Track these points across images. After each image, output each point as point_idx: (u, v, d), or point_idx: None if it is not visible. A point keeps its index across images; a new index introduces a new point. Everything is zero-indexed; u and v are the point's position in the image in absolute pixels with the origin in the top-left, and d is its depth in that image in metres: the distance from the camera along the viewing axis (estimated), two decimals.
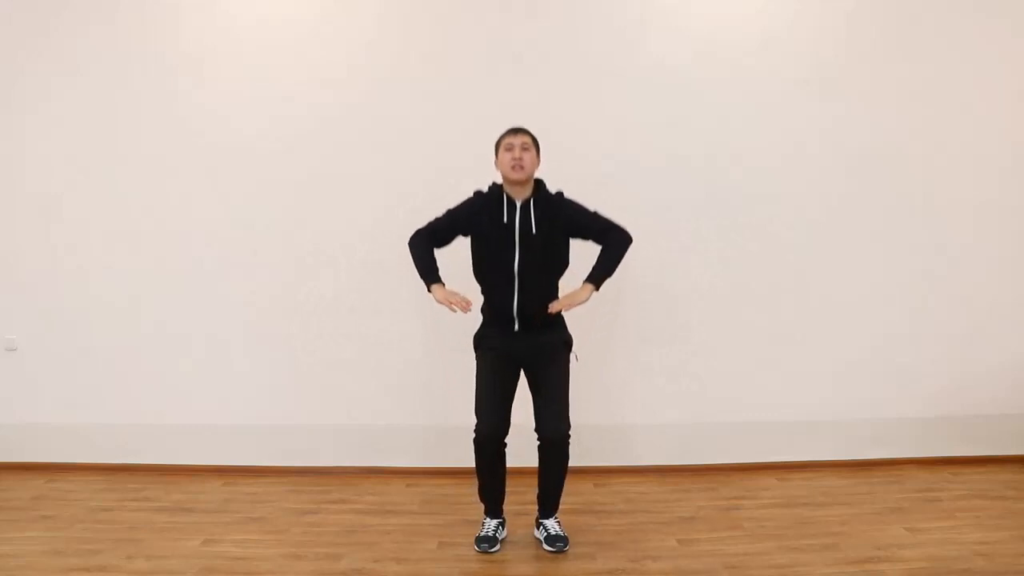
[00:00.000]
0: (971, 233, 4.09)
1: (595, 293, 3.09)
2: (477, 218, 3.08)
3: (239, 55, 4.02)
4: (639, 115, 4.02)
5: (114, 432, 4.09)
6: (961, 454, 4.08)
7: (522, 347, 3.06)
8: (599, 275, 3.09)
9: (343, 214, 4.04)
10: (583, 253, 3.16)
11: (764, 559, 2.96)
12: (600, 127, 4.00)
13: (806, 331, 4.07)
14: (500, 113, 3.94)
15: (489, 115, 3.94)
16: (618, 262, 3.13)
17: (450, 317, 3.74)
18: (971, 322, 4.10)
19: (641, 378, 4.06)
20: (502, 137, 3.10)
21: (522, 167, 3.02)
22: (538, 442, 3.07)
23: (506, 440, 3.09)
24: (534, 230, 3.03)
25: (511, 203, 3.06)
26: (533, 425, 3.06)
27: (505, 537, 3.18)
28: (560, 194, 3.14)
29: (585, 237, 3.15)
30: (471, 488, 3.25)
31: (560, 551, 3.04)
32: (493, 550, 3.06)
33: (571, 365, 3.13)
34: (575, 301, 3.05)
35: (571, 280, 3.14)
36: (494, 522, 3.15)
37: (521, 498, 3.30)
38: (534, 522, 3.21)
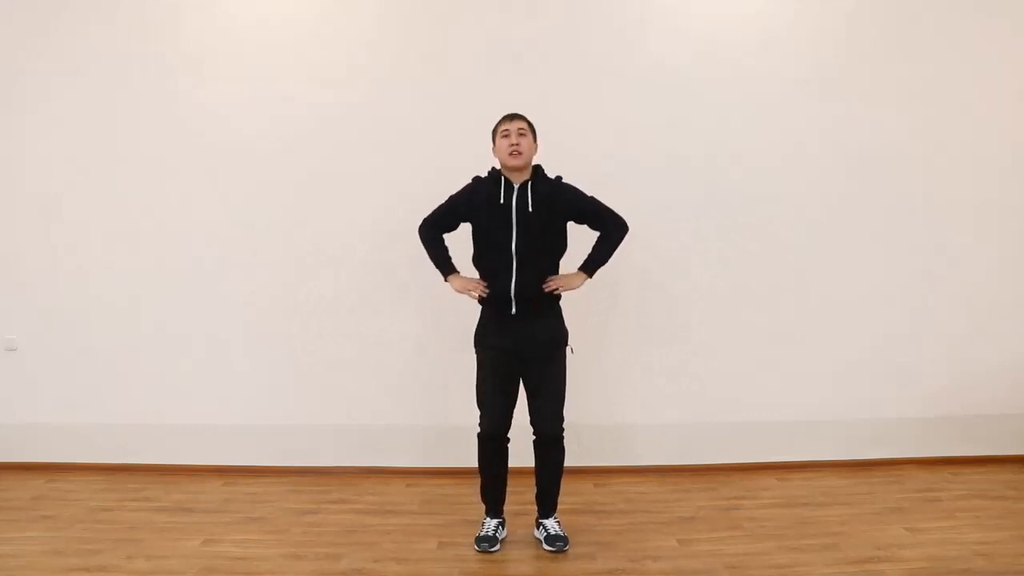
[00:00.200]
0: (971, 233, 4.09)
1: (588, 281, 3.14)
2: (476, 201, 3.10)
3: (239, 55, 4.02)
4: (639, 115, 4.02)
5: (114, 432, 4.09)
6: (961, 454, 4.08)
7: (520, 340, 3.05)
8: (593, 263, 3.14)
9: (343, 214, 4.04)
10: (581, 238, 3.17)
11: (764, 559, 2.96)
12: (600, 127, 4.00)
13: (806, 331, 4.07)
14: (500, 113, 3.94)
15: (489, 115, 3.93)
16: (613, 251, 3.16)
17: (450, 317, 3.75)
18: (971, 322, 4.10)
19: (641, 378, 4.06)
20: (498, 124, 3.12)
21: (520, 152, 3.04)
22: (534, 439, 3.08)
23: (508, 436, 3.09)
24: (531, 210, 3.04)
25: (508, 185, 3.07)
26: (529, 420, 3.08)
27: (505, 537, 3.18)
28: (559, 178, 3.16)
29: (581, 222, 3.17)
30: (471, 488, 3.25)
31: (560, 551, 3.04)
32: (493, 550, 3.07)
33: (568, 359, 3.13)
34: (568, 284, 3.09)
35: (568, 266, 3.16)
36: (494, 522, 3.16)
37: (521, 498, 3.30)
38: (534, 522, 3.21)
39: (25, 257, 4.11)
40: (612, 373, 4.03)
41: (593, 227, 3.18)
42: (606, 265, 3.18)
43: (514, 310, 3.05)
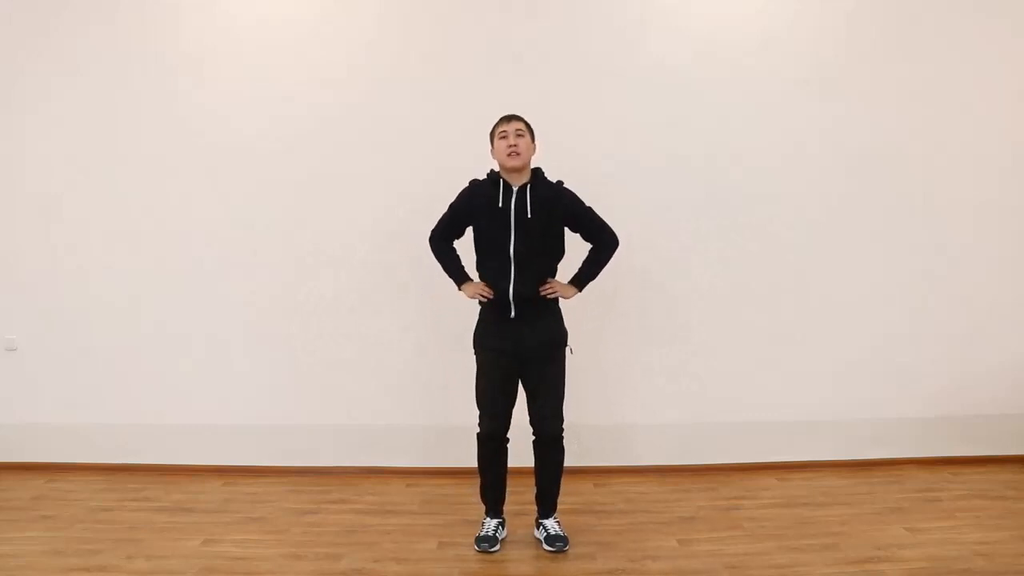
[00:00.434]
0: (971, 233, 4.09)
1: (580, 297, 3.16)
2: (474, 204, 3.10)
3: (239, 55, 4.02)
4: (639, 115, 4.02)
5: (114, 432, 4.09)
6: (961, 454, 4.08)
7: (520, 342, 3.05)
8: (583, 279, 3.16)
9: (343, 214, 4.04)
10: (580, 242, 3.18)
11: (764, 559, 2.96)
12: (600, 127, 4.00)
13: (806, 331, 4.07)
14: (500, 113, 3.94)
15: (489, 115, 3.93)
16: (603, 266, 3.18)
17: (450, 317, 3.75)
18: (971, 322, 4.10)
19: (641, 378, 4.06)
20: (496, 125, 3.12)
21: (518, 153, 3.03)
22: (533, 439, 3.08)
23: (508, 436, 3.10)
24: (530, 214, 3.03)
25: (507, 187, 3.07)
26: (529, 420, 3.08)
27: (505, 537, 3.18)
28: (560, 183, 3.15)
29: (575, 230, 3.17)
30: (471, 488, 3.25)
31: (560, 551, 3.04)
32: (493, 550, 3.07)
33: (567, 359, 3.13)
34: (562, 292, 3.11)
35: (567, 268, 3.17)
36: (494, 522, 3.16)
37: (521, 498, 3.30)
38: (534, 522, 3.21)
39: (25, 257, 4.11)
40: (612, 373, 4.03)
41: (585, 238, 3.19)
42: (604, 268, 3.20)
43: (513, 313, 3.05)
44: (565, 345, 3.13)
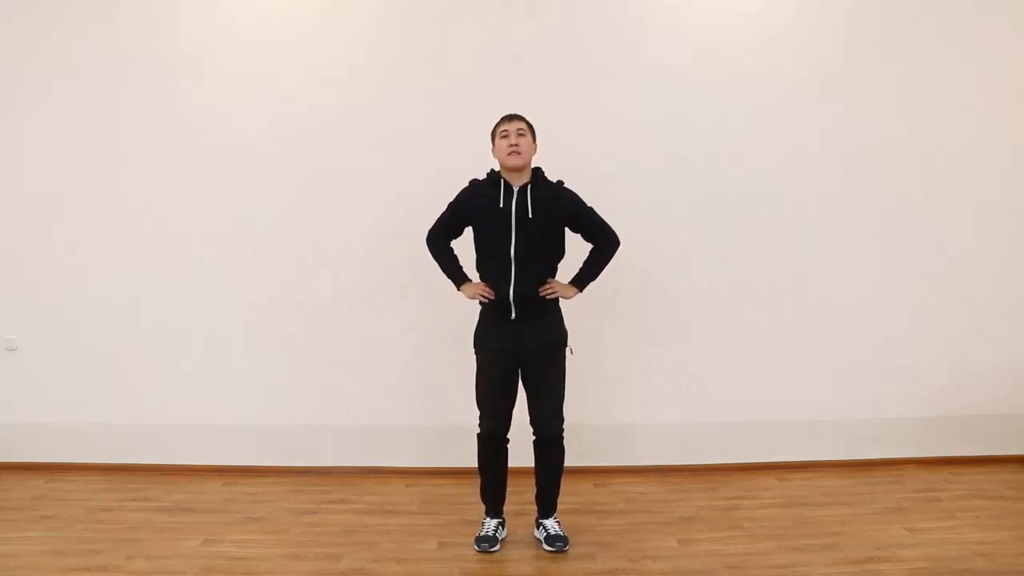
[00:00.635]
0: (971, 233, 4.09)
1: (580, 297, 3.15)
2: (475, 205, 3.10)
3: (239, 55, 4.02)
4: (639, 115, 4.02)
5: (114, 432, 4.09)
6: (961, 454, 4.08)
7: (520, 342, 3.05)
8: (583, 279, 3.15)
9: (343, 214, 4.04)
10: (580, 244, 3.17)
11: (764, 559, 2.96)
12: (600, 127, 4.00)
13: (806, 331, 4.07)
14: (500, 113, 3.94)
15: (489, 115, 3.93)
16: (604, 267, 3.17)
17: (449, 317, 3.75)
18: (971, 322, 4.10)
19: (641, 378, 4.06)
20: (497, 124, 3.11)
21: (519, 153, 3.02)
22: (534, 439, 3.08)
23: (508, 437, 3.09)
24: (531, 215, 3.03)
25: (508, 188, 3.06)
26: (529, 421, 3.08)
27: (505, 537, 3.18)
28: (560, 183, 3.15)
29: (576, 230, 3.16)
30: (471, 488, 3.25)
31: (560, 551, 3.04)
32: (493, 550, 3.07)
33: (567, 359, 3.13)
34: (562, 292, 3.10)
35: (566, 269, 3.17)
36: (494, 522, 3.16)
37: (521, 498, 3.30)
38: (534, 522, 3.20)
39: (25, 257, 4.11)
40: (612, 373, 4.03)
41: (586, 238, 3.18)
42: (605, 268, 3.19)
43: (513, 314, 3.05)
44: (565, 345, 3.13)
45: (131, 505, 3.59)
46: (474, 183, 3.16)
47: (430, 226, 3.22)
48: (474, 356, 3.16)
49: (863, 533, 3.19)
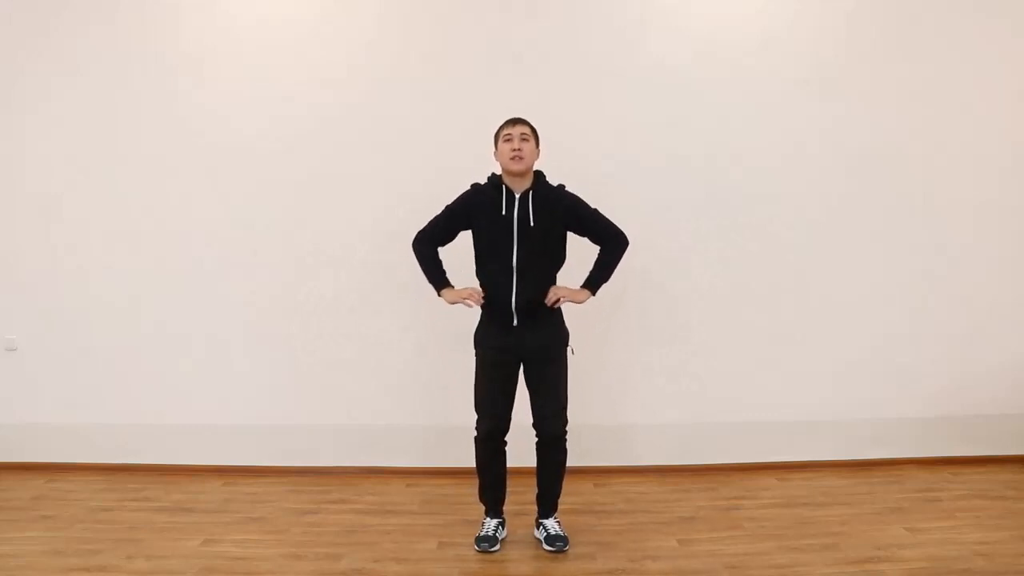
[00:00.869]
0: (971, 233, 4.09)
1: (591, 299, 3.11)
2: (476, 210, 3.08)
3: (239, 55, 4.02)
4: (639, 115, 4.02)
5: (114, 432, 4.09)
6: (961, 454, 4.08)
7: (521, 344, 3.05)
8: (596, 281, 3.11)
9: (343, 214, 4.04)
10: (579, 250, 3.16)
11: (764, 559, 2.96)
12: (600, 127, 4.00)
13: (806, 331, 4.07)
14: (500, 113, 3.93)
15: (489, 115, 3.93)
16: (615, 267, 3.13)
17: (450, 317, 3.75)
18: (971, 322, 4.10)
19: (641, 378, 4.06)
20: (501, 128, 3.09)
21: (521, 158, 3.01)
22: (536, 440, 3.07)
23: (506, 438, 3.09)
24: (532, 222, 3.01)
25: (510, 194, 3.04)
26: (531, 423, 3.07)
27: (505, 537, 3.18)
28: (561, 187, 3.14)
29: (582, 234, 3.15)
30: (471, 488, 3.25)
31: (560, 551, 3.04)
32: (493, 550, 3.07)
33: (569, 359, 3.13)
34: (573, 298, 3.07)
35: (566, 278, 3.15)
36: (494, 522, 3.15)
37: (521, 498, 3.30)
38: (534, 522, 3.20)
39: (25, 257, 4.11)
40: (612, 373, 4.03)
41: (593, 240, 3.16)
42: (616, 268, 3.16)
43: (515, 321, 3.05)
44: (566, 345, 3.13)
45: (131, 505, 3.59)
46: (475, 188, 3.14)
47: (419, 229, 3.17)
48: (474, 357, 3.15)
49: (863, 533, 3.19)
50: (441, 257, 3.17)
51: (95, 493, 3.75)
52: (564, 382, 3.10)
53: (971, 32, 4.05)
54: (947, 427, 4.10)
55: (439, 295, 3.11)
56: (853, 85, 4.03)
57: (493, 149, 3.13)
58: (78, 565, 2.94)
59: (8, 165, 4.09)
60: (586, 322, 3.58)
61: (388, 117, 4.02)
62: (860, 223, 4.07)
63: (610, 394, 4.03)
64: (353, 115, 4.02)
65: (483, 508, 3.20)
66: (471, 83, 3.99)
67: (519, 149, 3.01)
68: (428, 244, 3.15)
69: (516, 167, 3.02)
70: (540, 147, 3.11)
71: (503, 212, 3.03)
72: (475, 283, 3.14)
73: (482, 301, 3.04)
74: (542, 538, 3.11)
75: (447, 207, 3.15)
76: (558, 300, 3.05)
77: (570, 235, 3.14)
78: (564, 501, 3.22)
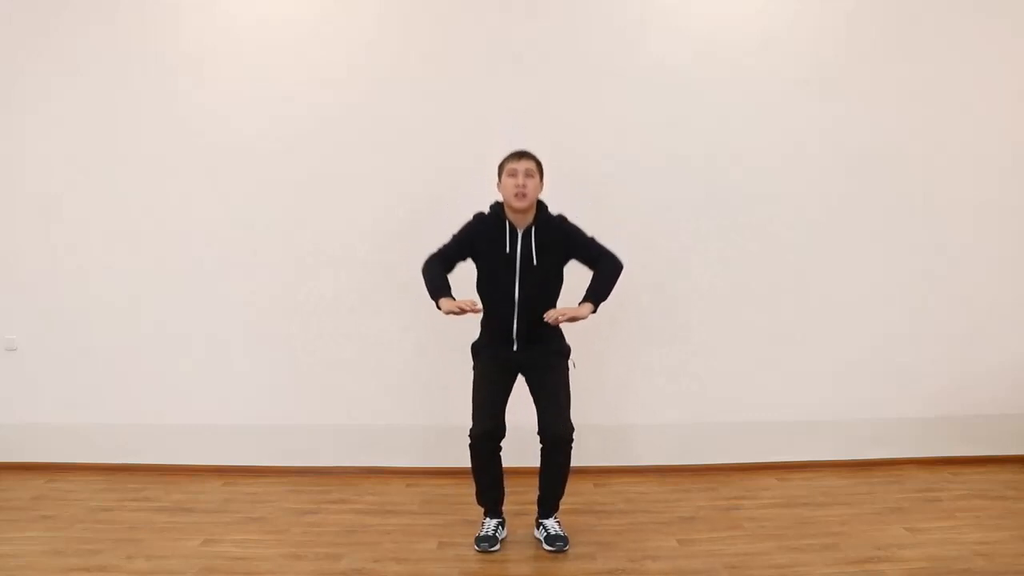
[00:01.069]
0: (971, 233, 4.09)
1: (592, 315, 3.05)
2: (479, 241, 3.08)
3: (239, 55, 4.02)
4: (639, 115, 4.02)
5: (114, 432, 4.09)
6: (961, 454, 4.08)
7: (520, 358, 3.09)
8: (597, 296, 3.05)
9: (343, 214, 4.04)
10: (578, 269, 3.15)
11: (764, 559, 2.95)
12: (600, 127, 4.00)
13: (806, 331, 4.07)
14: (500, 113, 3.95)
15: (489, 115, 3.95)
16: (612, 285, 3.08)
17: (450, 317, 3.74)
18: (971, 322, 4.10)
19: (641, 378, 4.06)
20: (506, 160, 3.08)
21: (525, 195, 3.01)
22: (540, 444, 3.07)
23: (501, 444, 3.09)
24: (535, 261, 3.03)
25: (512, 230, 3.06)
26: (532, 425, 3.07)
27: (505, 537, 3.18)
28: (561, 218, 3.14)
29: (580, 260, 3.13)
30: (471, 488, 3.24)
31: (560, 551, 3.04)
32: (493, 550, 3.06)
33: (570, 372, 3.14)
34: (577, 315, 3.00)
35: (564, 297, 3.15)
36: (494, 522, 3.15)
37: (521, 498, 3.29)
38: (534, 522, 3.20)
39: (25, 257, 4.11)
40: (612, 373, 4.02)
41: (590, 267, 3.12)
42: (615, 285, 3.12)
43: (515, 347, 3.08)
44: (566, 357, 3.15)
45: (131, 505, 3.58)
46: (479, 219, 3.13)
47: (430, 253, 3.13)
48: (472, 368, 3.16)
49: (863, 533, 3.19)
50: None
51: (95, 493, 3.75)
52: (566, 389, 3.10)
53: (971, 32, 4.05)
54: (947, 427, 4.10)
55: (437, 306, 3.01)
56: (853, 85, 4.03)
57: (497, 180, 3.11)
58: (78, 565, 2.94)
59: (8, 165, 4.09)
60: (586, 322, 3.58)
61: (388, 117, 4.02)
62: (860, 223, 4.07)
63: (610, 394, 4.03)
64: (353, 115, 4.02)
65: (482, 509, 3.20)
66: (471, 83, 3.99)
67: (523, 186, 3.00)
68: (437, 264, 3.10)
69: (519, 204, 3.02)
70: (544, 179, 3.09)
71: (506, 250, 3.04)
72: (475, 294, 3.12)
73: (479, 310, 3.01)
74: (542, 538, 3.11)
75: (454, 237, 3.12)
76: (562, 319, 3.01)
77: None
78: (564, 501, 3.22)
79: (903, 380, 4.09)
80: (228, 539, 3.19)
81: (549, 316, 2.98)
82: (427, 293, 3.06)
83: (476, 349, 3.18)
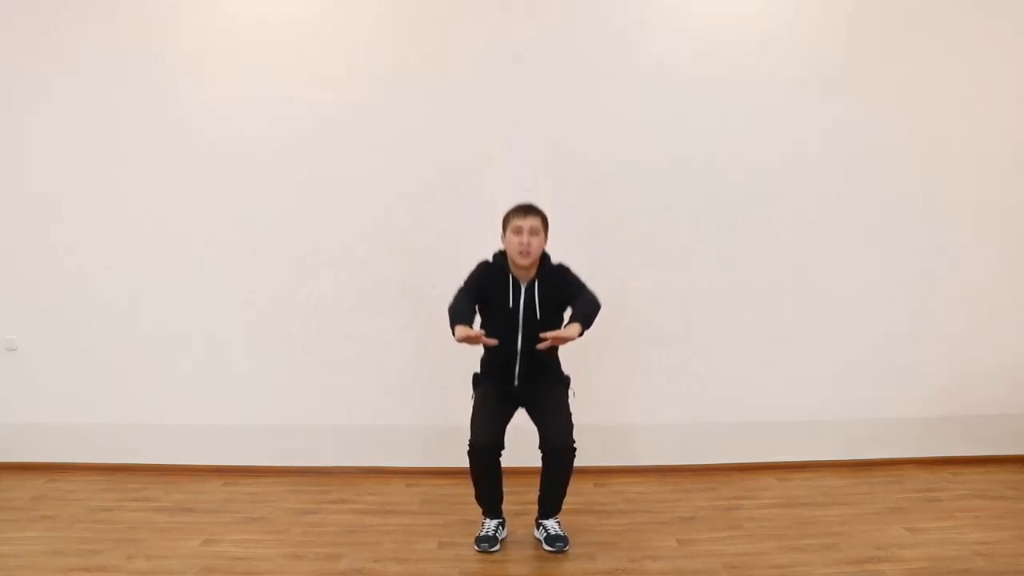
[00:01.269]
0: (971, 233, 4.09)
1: (579, 337, 3.02)
2: (485, 291, 3.09)
3: (239, 55, 4.02)
4: (639, 115, 4.02)
5: (114, 432, 4.09)
6: (961, 454, 4.08)
7: (521, 389, 3.13)
8: (583, 317, 3.00)
9: (343, 214, 4.04)
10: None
11: (764, 559, 2.95)
12: (600, 127, 4.00)
13: (806, 331, 4.07)
14: (500, 113, 3.95)
15: (489, 115, 3.94)
16: (594, 314, 3.04)
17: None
18: (971, 322, 4.10)
19: (641, 378, 4.06)
20: (511, 215, 3.08)
21: (529, 254, 3.03)
22: (542, 455, 3.07)
23: (501, 452, 3.09)
24: (538, 315, 3.05)
25: (516, 285, 3.08)
26: (533, 425, 3.08)
27: (505, 537, 3.18)
28: (563, 268, 3.15)
29: (568, 303, 3.12)
30: (471, 488, 3.24)
31: (560, 551, 3.04)
32: (493, 550, 3.06)
33: (570, 400, 3.16)
34: (567, 336, 2.96)
35: None
36: (494, 522, 3.15)
37: (521, 498, 3.29)
38: (534, 522, 3.20)
39: (25, 257, 4.11)
40: (612, 373, 4.02)
41: (573, 304, 3.11)
42: (596, 313, 3.10)
43: (516, 382, 3.12)
44: (564, 385, 3.19)
45: (131, 505, 3.58)
46: (484, 266, 3.13)
47: (451, 301, 3.07)
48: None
49: (863, 533, 3.19)
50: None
51: (95, 493, 3.75)
52: (567, 411, 3.11)
53: (971, 32, 4.05)
54: (947, 427, 4.10)
55: (453, 334, 2.94)
56: (853, 85, 4.03)
57: (501, 233, 3.13)
58: (78, 565, 2.94)
59: (8, 165, 4.09)
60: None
61: (388, 117, 4.02)
62: (860, 223, 4.07)
63: (610, 394, 4.03)
64: (353, 115, 4.02)
65: (482, 510, 3.20)
66: (471, 83, 3.99)
67: (528, 244, 3.02)
68: (464, 297, 3.06)
69: (523, 262, 3.04)
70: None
71: (509, 304, 3.06)
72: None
73: (492, 343, 2.99)
74: (542, 538, 3.11)
75: (466, 283, 3.11)
76: (553, 343, 2.98)
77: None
78: (564, 501, 3.22)
79: (903, 380, 4.09)
80: (228, 539, 3.19)
81: (542, 346, 2.97)
82: (448, 321, 3.01)
83: (476, 380, 3.22)
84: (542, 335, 2.96)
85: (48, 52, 4.05)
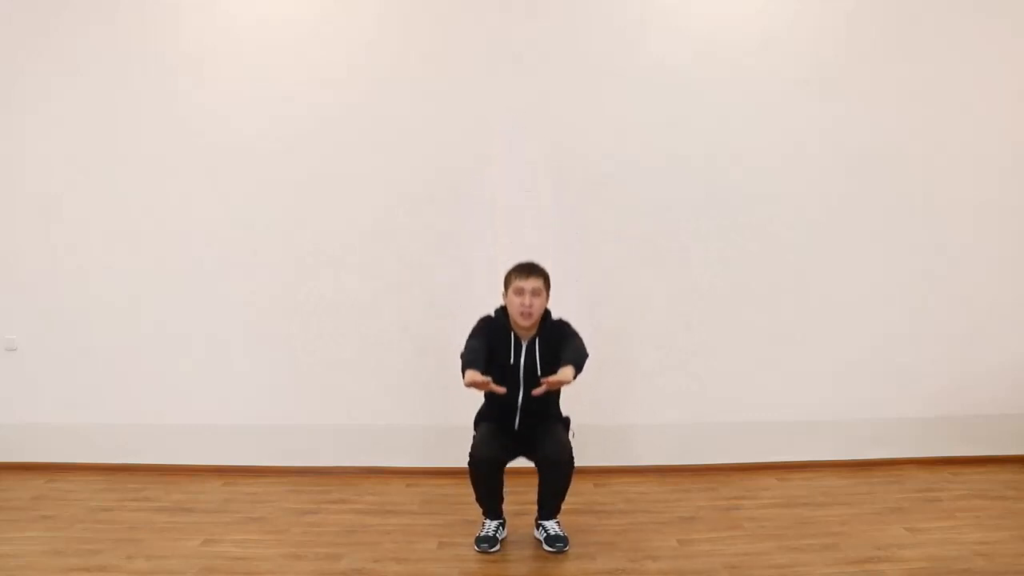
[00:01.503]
0: (971, 233, 4.09)
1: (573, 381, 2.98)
2: (489, 345, 3.07)
3: (239, 55, 4.02)
4: (639, 115, 4.02)
5: (114, 432, 4.09)
6: (961, 454, 4.08)
7: (522, 430, 3.14)
8: (574, 359, 2.97)
9: (343, 214, 4.04)
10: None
11: (764, 559, 2.95)
12: (600, 127, 4.00)
13: (806, 331, 4.07)
14: (500, 113, 3.95)
15: (489, 115, 3.94)
16: (583, 360, 3.01)
17: (451, 316, 3.75)
18: (971, 322, 4.10)
19: (641, 378, 4.06)
20: (513, 276, 3.08)
21: (530, 315, 3.04)
22: (538, 471, 3.08)
23: (503, 467, 3.10)
24: (539, 372, 3.05)
25: (517, 342, 3.09)
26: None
27: (505, 537, 3.18)
28: (562, 323, 3.15)
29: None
30: (471, 489, 3.24)
31: (560, 551, 3.04)
32: (493, 550, 3.06)
33: (571, 440, 3.15)
34: (560, 380, 2.92)
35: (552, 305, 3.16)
36: (494, 522, 3.15)
37: (521, 498, 3.29)
38: (534, 522, 3.20)
39: (25, 257, 4.10)
40: (612, 373, 4.02)
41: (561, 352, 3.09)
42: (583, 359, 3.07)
43: (517, 427, 3.13)
44: (566, 427, 3.19)
45: (131, 505, 3.58)
46: (487, 321, 3.13)
47: (464, 353, 3.03)
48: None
49: (863, 533, 3.19)
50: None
51: (95, 493, 3.75)
52: (565, 437, 3.12)
53: (971, 32, 4.05)
54: (947, 427, 4.10)
55: (463, 377, 2.90)
56: (853, 85, 4.03)
57: (503, 291, 3.13)
58: (78, 565, 2.94)
59: (8, 165, 4.09)
60: (589, 323, 3.58)
61: (388, 117, 4.02)
62: (860, 223, 4.07)
63: (610, 394, 4.03)
64: (353, 115, 4.02)
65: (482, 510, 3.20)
66: (471, 83, 3.99)
67: (530, 305, 3.02)
68: (478, 343, 3.03)
69: (525, 323, 3.06)
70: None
71: (511, 361, 3.07)
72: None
73: (500, 391, 2.96)
74: (542, 538, 3.11)
75: (472, 336, 3.09)
76: (549, 387, 2.95)
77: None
78: (564, 501, 3.22)
79: (903, 380, 4.09)
80: (228, 539, 3.19)
81: (538, 392, 2.96)
82: (460, 366, 2.99)
83: (477, 422, 3.23)
84: (541, 380, 2.95)
85: (48, 52, 4.05)
